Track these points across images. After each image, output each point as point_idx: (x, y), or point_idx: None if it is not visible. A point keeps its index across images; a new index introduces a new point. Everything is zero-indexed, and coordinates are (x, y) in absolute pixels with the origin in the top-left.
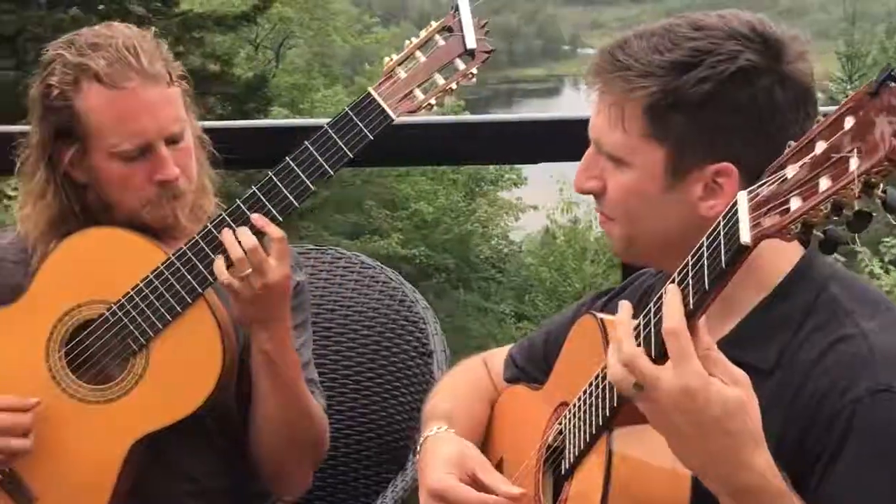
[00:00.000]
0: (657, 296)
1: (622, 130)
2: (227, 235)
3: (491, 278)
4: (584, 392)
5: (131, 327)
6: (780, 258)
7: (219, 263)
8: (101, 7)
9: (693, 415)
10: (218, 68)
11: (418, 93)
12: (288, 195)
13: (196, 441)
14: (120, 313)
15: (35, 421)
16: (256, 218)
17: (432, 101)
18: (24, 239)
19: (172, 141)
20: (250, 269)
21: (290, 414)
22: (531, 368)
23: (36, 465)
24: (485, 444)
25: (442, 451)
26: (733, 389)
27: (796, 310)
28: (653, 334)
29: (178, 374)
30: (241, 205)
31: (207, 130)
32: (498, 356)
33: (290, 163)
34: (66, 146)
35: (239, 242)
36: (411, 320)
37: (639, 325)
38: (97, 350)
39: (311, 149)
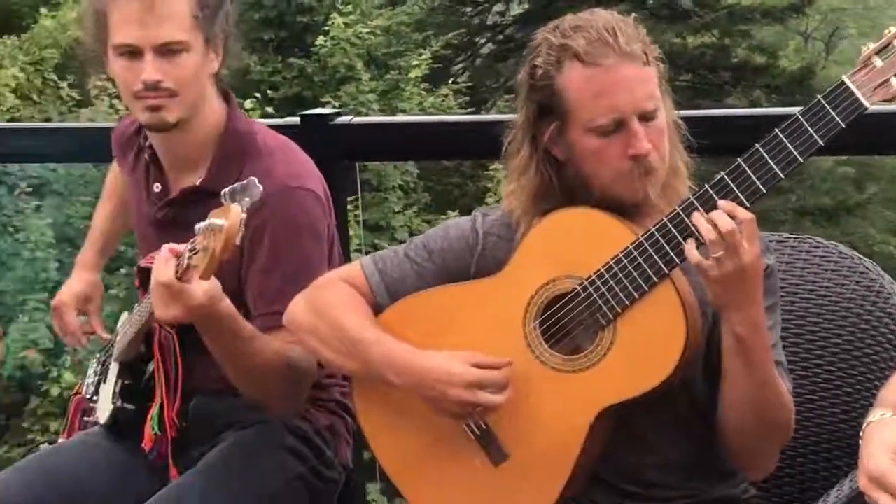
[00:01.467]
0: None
1: None
2: (698, 218)
3: None
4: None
5: (600, 303)
6: None
7: (689, 246)
8: (650, 2)
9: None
10: (763, 61)
11: (895, 81)
12: (756, 181)
13: (662, 415)
14: (591, 289)
15: (509, 381)
16: (724, 204)
17: None
18: (509, 215)
19: (646, 118)
20: (722, 252)
21: (759, 395)
22: None
23: (509, 425)
24: None
25: (884, 436)
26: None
27: None
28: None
29: (642, 349)
30: (710, 189)
31: (683, 118)
32: None
33: (760, 149)
34: (547, 123)
35: (714, 225)
36: (887, 312)
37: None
38: (568, 322)
39: (782, 136)
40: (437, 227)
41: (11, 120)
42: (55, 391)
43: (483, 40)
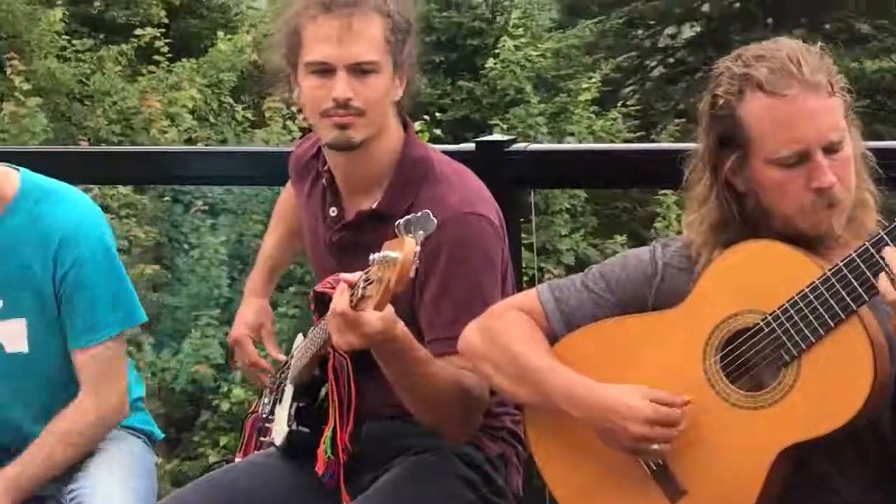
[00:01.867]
0: None
1: None
2: (891, 254)
3: None
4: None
5: (784, 338)
6: None
7: (884, 282)
8: (826, 26)
9: None
10: None
11: None
12: None
13: (847, 458)
14: (774, 324)
15: (687, 418)
16: None
17: None
18: (689, 246)
19: (830, 150)
20: None
21: None
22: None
23: (686, 461)
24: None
25: None
26: None
27: None
28: None
29: (827, 387)
30: None
31: (871, 150)
32: None
33: None
34: (728, 154)
35: None
36: None
37: None
38: (750, 358)
39: None
40: (614, 258)
41: (188, 140)
42: (225, 406)
43: (654, 63)
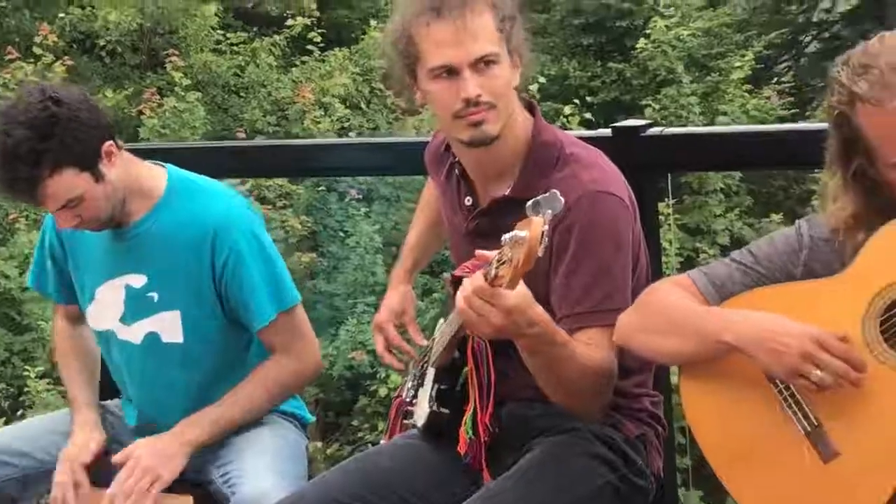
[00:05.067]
0: None
1: None
2: None
3: None
4: None
5: None
6: None
7: None
8: None
9: None
10: None
11: None
12: None
13: None
14: None
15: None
16: None
17: None
18: (835, 232)
19: None
20: None
21: None
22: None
23: (841, 422)
24: None
25: None
26: None
27: None
28: None
29: None
30: None
31: None
32: None
33: None
34: (854, 155)
35: None
36: None
37: None
38: None
39: None
40: (763, 238)
41: (342, 129)
42: (383, 391)
43: (808, 38)
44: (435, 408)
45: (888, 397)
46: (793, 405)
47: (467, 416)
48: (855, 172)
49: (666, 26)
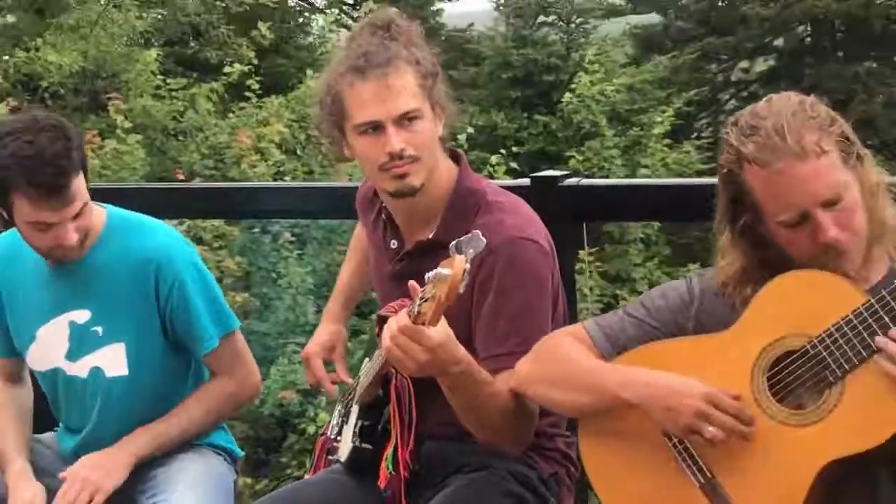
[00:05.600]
0: None
1: None
2: None
3: None
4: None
5: (829, 360)
6: None
7: None
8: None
9: None
10: None
11: None
12: None
13: (880, 478)
14: (820, 347)
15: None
16: None
17: None
18: (724, 286)
19: (830, 204)
20: None
21: None
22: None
23: (734, 474)
24: None
25: None
26: None
27: None
28: None
29: (869, 407)
30: None
31: None
32: None
33: None
34: (742, 211)
35: None
36: None
37: None
38: (795, 378)
39: None
40: (652, 289)
41: (277, 173)
42: (311, 429)
43: (727, 97)
44: (357, 443)
45: (776, 449)
46: (687, 458)
47: (388, 452)
48: (743, 229)
49: (591, 81)
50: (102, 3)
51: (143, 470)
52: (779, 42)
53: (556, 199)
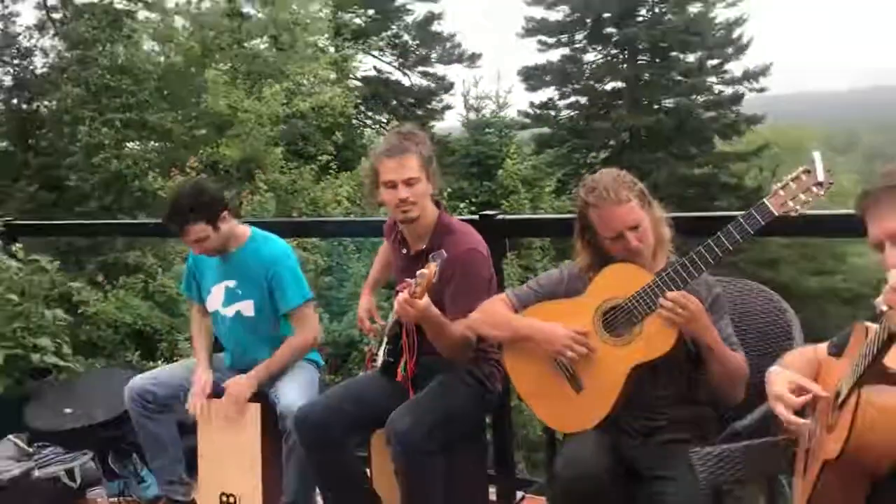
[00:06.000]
0: None
1: None
2: (678, 272)
3: None
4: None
5: (635, 311)
6: None
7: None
8: (674, 150)
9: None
10: (734, 182)
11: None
12: (711, 257)
13: (663, 374)
14: (631, 303)
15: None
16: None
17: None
18: (582, 269)
19: (633, 228)
20: (681, 310)
21: (727, 369)
22: None
23: (584, 370)
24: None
25: (781, 376)
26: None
27: None
28: None
29: (655, 336)
30: (685, 261)
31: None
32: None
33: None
34: (587, 231)
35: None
36: (784, 321)
37: None
38: (618, 319)
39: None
40: (544, 273)
41: (346, 215)
42: (363, 350)
43: (585, 171)
44: (386, 357)
45: (606, 358)
46: (562, 365)
47: (402, 363)
48: (588, 241)
49: (513, 163)
50: (252, 122)
51: (269, 382)
52: (612, 142)
53: (492, 226)
